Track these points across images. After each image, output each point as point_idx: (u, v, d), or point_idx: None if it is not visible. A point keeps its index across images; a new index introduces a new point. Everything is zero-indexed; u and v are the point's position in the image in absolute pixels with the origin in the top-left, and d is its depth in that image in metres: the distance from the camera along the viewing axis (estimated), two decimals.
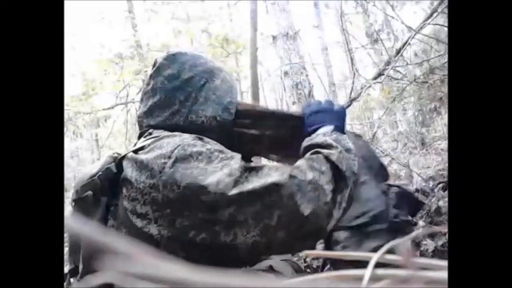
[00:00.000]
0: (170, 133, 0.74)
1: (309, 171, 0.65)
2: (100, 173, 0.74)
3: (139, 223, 0.67)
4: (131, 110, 3.92)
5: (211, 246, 0.63)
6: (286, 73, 3.72)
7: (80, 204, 0.76)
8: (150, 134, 0.78)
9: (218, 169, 0.64)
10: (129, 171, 0.70)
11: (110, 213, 0.74)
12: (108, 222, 0.74)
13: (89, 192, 0.74)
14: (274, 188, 0.62)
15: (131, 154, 0.73)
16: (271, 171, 0.65)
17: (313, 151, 0.73)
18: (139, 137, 0.83)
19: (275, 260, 0.77)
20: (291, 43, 3.82)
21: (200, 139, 0.71)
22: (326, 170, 0.67)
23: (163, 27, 4.83)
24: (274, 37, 3.91)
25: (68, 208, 0.81)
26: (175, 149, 0.67)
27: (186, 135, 0.72)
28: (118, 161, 0.75)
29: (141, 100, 0.87)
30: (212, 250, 0.63)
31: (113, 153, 0.79)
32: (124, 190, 0.70)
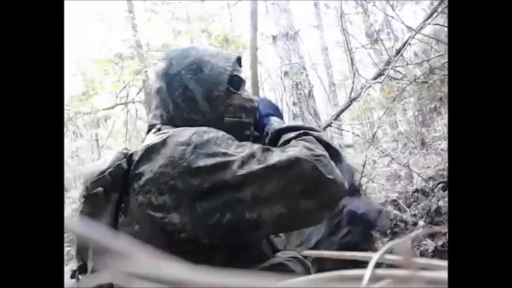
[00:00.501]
0: (180, 128, 0.73)
1: (316, 147, 0.70)
2: (111, 169, 0.73)
3: (158, 214, 0.67)
4: (131, 110, 3.93)
5: (237, 226, 0.65)
6: (286, 73, 3.72)
7: (91, 200, 0.75)
8: (159, 130, 0.78)
9: (240, 151, 0.67)
10: (141, 164, 0.70)
11: (121, 209, 0.74)
12: (119, 218, 0.74)
13: (100, 189, 0.73)
14: (296, 161, 0.65)
15: (142, 147, 0.73)
16: (288, 148, 0.69)
17: (299, 133, 0.77)
18: (147, 132, 0.83)
19: (283, 258, 0.76)
20: (291, 43, 3.81)
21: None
22: (322, 148, 0.72)
23: (163, 27, 4.81)
24: (274, 37, 3.91)
25: (68, 208, 0.81)
26: (192, 135, 0.68)
27: (196, 127, 0.72)
28: (129, 157, 0.74)
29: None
30: (238, 229, 0.65)
31: (123, 149, 0.78)
32: (136, 185, 0.70)
